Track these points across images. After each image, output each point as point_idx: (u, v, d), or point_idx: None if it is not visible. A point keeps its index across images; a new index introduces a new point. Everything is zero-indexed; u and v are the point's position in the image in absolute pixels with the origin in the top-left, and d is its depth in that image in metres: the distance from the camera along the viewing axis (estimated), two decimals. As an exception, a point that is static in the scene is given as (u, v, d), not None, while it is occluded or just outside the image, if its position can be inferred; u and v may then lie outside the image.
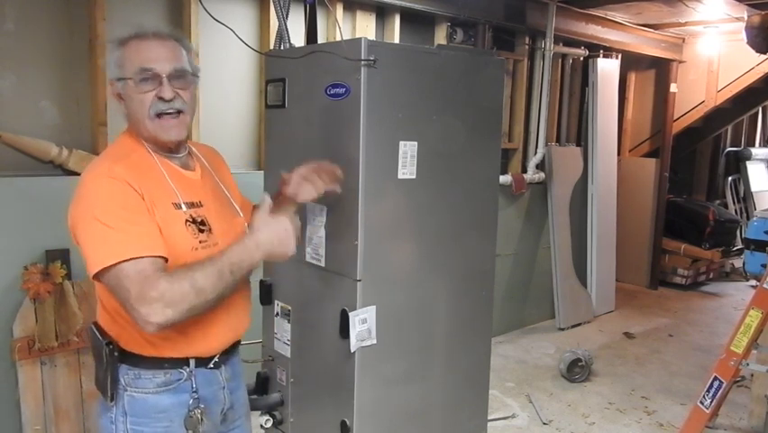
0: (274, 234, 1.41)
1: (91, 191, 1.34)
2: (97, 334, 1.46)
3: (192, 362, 1.46)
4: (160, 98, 1.40)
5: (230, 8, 3.08)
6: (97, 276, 1.30)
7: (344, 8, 3.49)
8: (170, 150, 1.47)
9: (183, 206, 1.42)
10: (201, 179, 1.53)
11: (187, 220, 1.42)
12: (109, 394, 1.43)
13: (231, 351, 1.57)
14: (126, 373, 1.43)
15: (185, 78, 1.44)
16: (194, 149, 1.59)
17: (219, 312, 1.45)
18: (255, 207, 1.76)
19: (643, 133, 6.31)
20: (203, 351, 1.48)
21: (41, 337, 2.47)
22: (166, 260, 1.33)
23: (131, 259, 1.27)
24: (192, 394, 1.46)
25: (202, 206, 1.47)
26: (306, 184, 1.70)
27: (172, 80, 1.41)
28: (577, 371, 3.91)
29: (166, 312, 1.26)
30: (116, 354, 1.42)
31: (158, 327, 1.28)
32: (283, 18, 2.41)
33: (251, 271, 1.43)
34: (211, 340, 1.48)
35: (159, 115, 1.41)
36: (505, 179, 4.43)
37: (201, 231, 1.43)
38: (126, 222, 1.31)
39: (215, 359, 1.51)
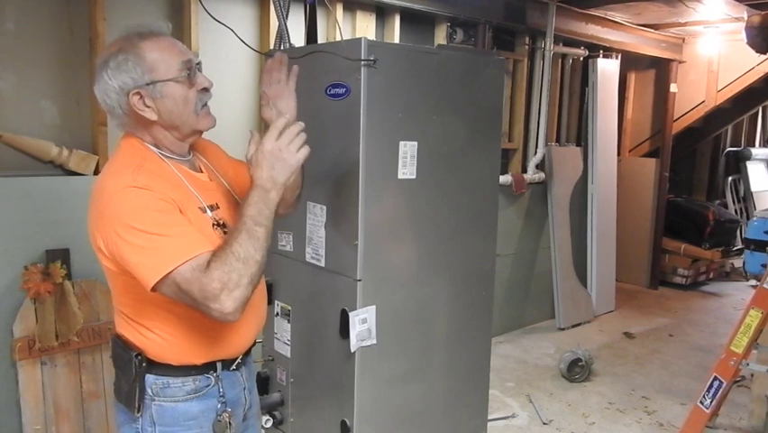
0: (270, 160, 1.35)
1: (124, 204, 1.29)
2: (124, 345, 1.43)
3: (219, 366, 1.46)
4: (204, 89, 1.41)
5: (230, 8, 3.07)
6: (156, 287, 1.27)
7: (344, 8, 3.48)
8: (181, 152, 1.46)
9: (207, 209, 1.41)
10: (210, 180, 1.52)
11: (213, 224, 1.41)
12: (136, 405, 1.41)
13: (249, 351, 1.58)
14: (154, 383, 1.41)
15: (200, 65, 1.44)
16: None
17: (247, 311, 1.45)
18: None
19: (643, 133, 6.31)
20: (230, 352, 1.48)
21: (41, 337, 2.47)
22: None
23: (184, 262, 1.25)
24: (220, 399, 1.46)
25: (219, 207, 1.46)
26: (280, 101, 1.66)
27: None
28: (577, 371, 3.91)
29: (234, 295, 1.26)
30: (144, 364, 1.40)
31: (237, 313, 1.28)
32: (283, 18, 2.41)
33: (275, 210, 1.36)
34: (237, 340, 1.49)
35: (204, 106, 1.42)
36: (505, 179, 4.43)
37: (225, 233, 1.42)
38: (168, 226, 1.28)
39: (238, 360, 1.51)
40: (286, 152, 1.36)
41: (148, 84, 1.35)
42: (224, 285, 1.24)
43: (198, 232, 1.33)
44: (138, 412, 1.41)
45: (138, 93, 1.36)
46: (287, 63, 1.70)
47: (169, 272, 1.25)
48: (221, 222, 1.44)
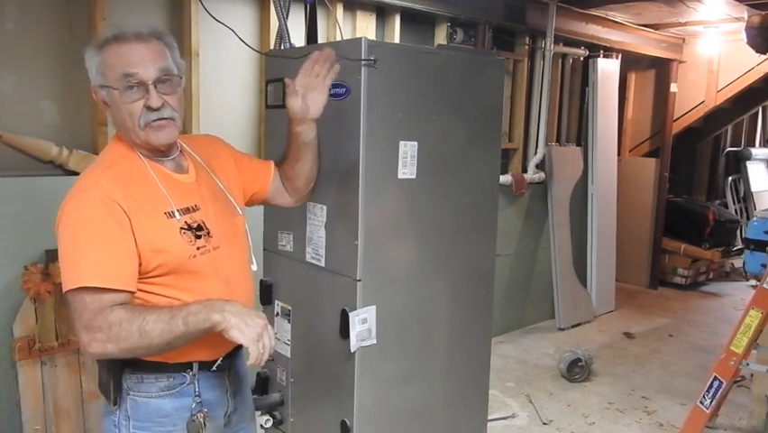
0: (246, 313, 1.30)
1: (72, 208, 1.31)
2: None
3: (195, 366, 1.44)
4: (148, 107, 1.36)
5: (230, 8, 3.07)
6: (66, 294, 1.29)
7: (344, 8, 3.48)
8: (162, 152, 1.44)
9: (176, 213, 1.39)
10: (196, 180, 1.49)
11: (181, 228, 1.38)
12: (112, 398, 1.42)
13: (235, 354, 1.55)
14: (129, 377, 1.41)
15: (171, 81, 1.39)
16: (186, 146, 1.54)
17: None
18: (277, 166, 1.79)
19: (643, 133, 6.31)
20: (206, 355, 1.46)
21: (41, 337, 2.47)
22: (132, 293, 1.31)
23: (94, 288, 1.26)
24: (195, 398, 1.44)
25: (198, 209, 1.44)
26: (311, 94, 1.66)
27: (158, 85, 1.36)
28: (577, 371, 3.91)
29: (107, 346, 1.26)
30: (119, 358, 1.40)
31: (95, 357, 1.30)
32: (283, 18, 2.41)
33: (206, 331, 1.29)
34: (214, 344, 1.45)
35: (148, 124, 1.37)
36: (505, 179, 4.43)
37: (198, 237, 1.40)
38: (98, 249, 1.28)
39: (219, 362, 1.49)
40: (253, 326, 1.29)
41: (101, 86, 1.38)
42: (107, 331, 1.25)
43: (135, 260, 1.31)
44: (115, 405, 1.42)
45: (95, 90, 1.40)
46: (332, 61, 1.70)
47: (76, 289, 1.26)
48: (195, 225, 1.41)
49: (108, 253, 1.29)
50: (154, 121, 1.37)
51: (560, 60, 4.94)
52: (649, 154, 6.22)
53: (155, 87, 1.36)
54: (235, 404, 1.57)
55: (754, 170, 7.50)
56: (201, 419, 1.43)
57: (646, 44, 5.54)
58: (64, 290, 1.29)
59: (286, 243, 2.25)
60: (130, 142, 1.42)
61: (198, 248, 1.40)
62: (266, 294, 2.31)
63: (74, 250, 1.29)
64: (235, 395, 1.56)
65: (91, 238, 1.29)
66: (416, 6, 3.68)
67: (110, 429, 1.45)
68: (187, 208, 1.42)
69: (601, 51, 5.11)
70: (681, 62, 5.95)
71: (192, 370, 1.44)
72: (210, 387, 1.48)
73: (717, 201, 7.22)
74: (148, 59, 1.36)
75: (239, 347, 1.57)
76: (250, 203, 1.78)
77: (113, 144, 1.46)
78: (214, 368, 1.48)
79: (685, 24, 5.38)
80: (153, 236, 1.34)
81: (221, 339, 1.45)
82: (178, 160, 1.49)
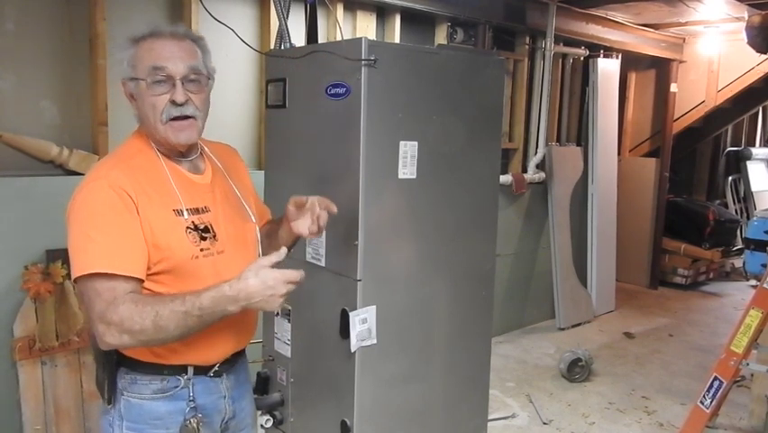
0: (260, 290, 1.26)
1: (84, 196, 1.32)
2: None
3: (190, 369, 1.43)
4: (173, 102, 1.37)
5: (230, 8, 3.07)
6: (76, 281, 1.29)
7: (345, 8, 3.48)
8: (181, 152, 1.44)
9: (185, 212, 1.38)
10: (211, 182, 1.49)
11: (188, 228, 1.38)
12: (107, 397, 1.42)
13: (235, 360, 1.53)
14: (123, 377, 1.41)
15: (199, 81, 1.41)
16: (207, 149, 1.54)
17: (225, 321, 1.40)
18: (271, 221, 1.70)
19: (643, 133, 6.31)
20: (203, 359, 1.45)
21: (41, 337, 2.47)
22: (141, 281, 1.31)
23: (104, 274, 1.26)
24: (189, 402, 1.42)
25: (208, 211, 1.43)
26: (306, 218, 1.59)
27: (186, 83, 1.38)
28: (577, 371, 3.91)
29: (122, 337, 1.26)
30: (115, 357, 1.40)
31: (111, 347, 1.30)
32: (283, 18, 2.41)
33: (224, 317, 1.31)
34: (213, 349, 1.45)
35: (170, 119, 1.38)
36: (505, 179, 4.43)
37: (203, 238, 1.40)
38: (108, 235, 1.28)
39: (216, 368, 1.47)
40: (271, 300, 1.28)
41: (131, 79, 1.39)
42: (120, 324, 1.25)
43: (143, 249, 1.31)
44: (109, 404, 1.42)
45: (124, 83, 1.41)
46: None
47: (86, 276, 1.26)
48: (201, 226, 1.40)
49: (118, 239, 1.29)
50: (176, 118, 1.38)
51: (560, 60, 4.94)
52: (649, 154, 6.23)
53: (182, 83, 1.38)
54: (234, 410, 1.54)
55: (754, 169, 7.50)
56: (194, 425, 1.42)
57: (646, 44, 5.54)
58: (73, 277, 1.28)
59: (286, 243, 2.24)
60: (150, 137, 1.42)
61: (202, 249, 1.39)
62: (266, 294, 2.31)
63: (83, 236, 1.28)
64: (234, 401, 1.54)
65: (101, 225, 1.29)
66: (416, 6, 3.68)
67: (106, 429, 1.44)
68: (197, 209, 1.42)
69: (601, 51, 5.11)
70: (681, 62, 5.95)
71: (187, 373, 1.43)
72: (206, 392, 1.46)
73: (717, 201, 7.22)
74: (178, 56, 1.38)
75: (240, 352, 1.56)
76: None
77: (131, 139, 1.46)
78: (210, 374, 1.46)
79: (685, 24, 5.39)
80: (157, 231, 1.33)
81: (219, 344, 1.45)
82: (195, 162, 1.49)
